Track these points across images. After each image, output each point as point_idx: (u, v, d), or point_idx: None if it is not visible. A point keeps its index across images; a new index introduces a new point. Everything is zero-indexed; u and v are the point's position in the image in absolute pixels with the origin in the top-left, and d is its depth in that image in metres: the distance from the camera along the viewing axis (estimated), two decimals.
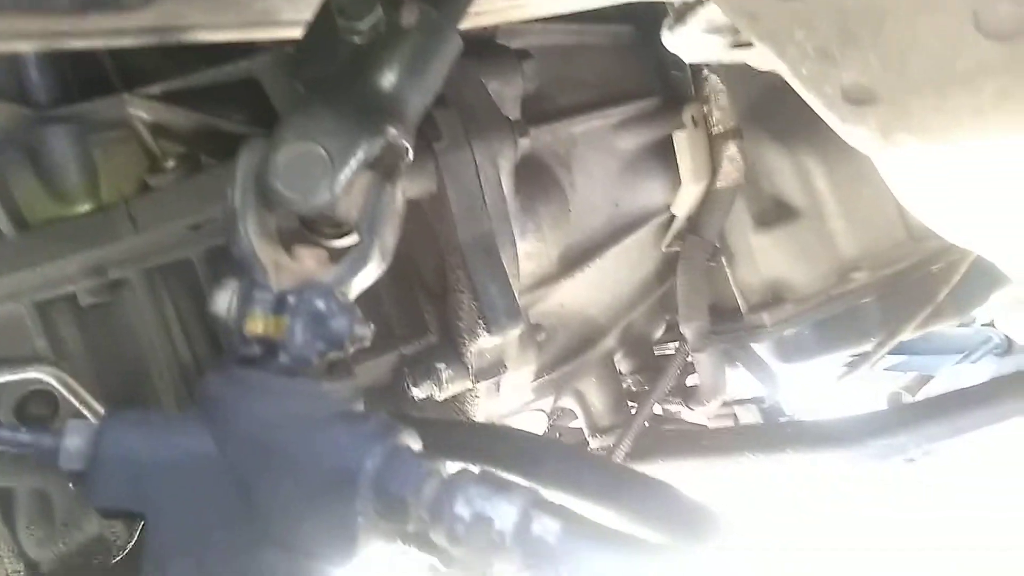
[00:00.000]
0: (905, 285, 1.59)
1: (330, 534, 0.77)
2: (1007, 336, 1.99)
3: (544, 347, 1.39)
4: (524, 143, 1.22)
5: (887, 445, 1.41)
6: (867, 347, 1.66)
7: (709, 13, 0.97)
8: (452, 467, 0.80)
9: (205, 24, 0.87)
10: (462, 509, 0.74)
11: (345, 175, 0.83)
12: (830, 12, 0.61)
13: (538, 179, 1.30)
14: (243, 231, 0.84)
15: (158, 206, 1.07)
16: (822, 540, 2.85)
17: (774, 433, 1.62)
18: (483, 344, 1.19)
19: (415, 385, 1.20)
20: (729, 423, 2.09)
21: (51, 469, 0.81)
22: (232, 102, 1.11)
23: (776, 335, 1.66)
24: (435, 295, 1.24)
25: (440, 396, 1.22)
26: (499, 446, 1.01)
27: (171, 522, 0.80)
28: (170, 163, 1.11)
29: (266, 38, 0.96)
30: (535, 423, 1.54)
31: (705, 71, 1.50)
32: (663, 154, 1.49)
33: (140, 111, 1.08)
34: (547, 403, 1.53)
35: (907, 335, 1.62)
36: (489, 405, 1.33)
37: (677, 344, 1.68)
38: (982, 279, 1.59)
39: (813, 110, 0.70)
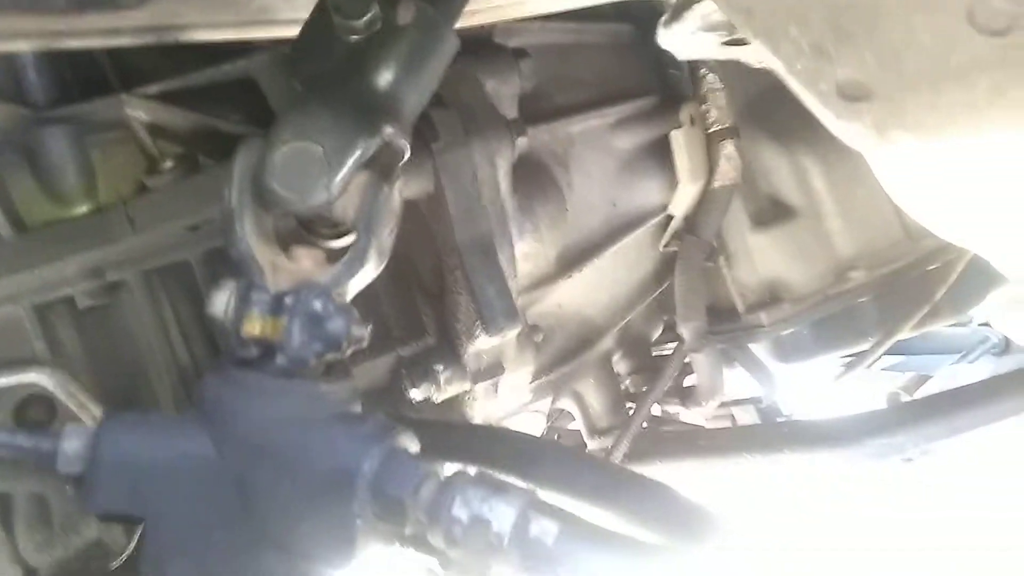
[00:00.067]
0: (902, 284, 1.59)
1: (328, 536, 0.77)
2: (1005, 336, 1.98)
3: (542, 348, 1.39)
4: (522, 143, 1.22)
5: (885, 445, 1.41)
6: (864, 347, 1.65)
7: (704, 10, 0.97)
8: (450, 469, 0.81)
9: (202, 23, 0.87)
10: (460, 511, 0.74)
11: (342, 175, 0.83)
12: (824, 8, 0.61)
13: (536, 179, 1.30)
14: (240, 231, 0.84)
15: (156, 207, 1.07)
16: (821, 540, 2.85)
17: (772, 433, 1.61)
18: (481, 345, 1.19)
19: (413, 386, 1.20)
20: (727, 423, 2.09)
21: (49, 473, 0.81)
22: (229, 102, 1.11)
23: (774, 335, 1.66)
24: (432, 296, 1.23)
25: (438, 398, 1.22)
26: (497, 448, 1.01)
27: (169, 524, 0.80)
28: (168, 164, 1.11)
29: (263, 37, 0.96)
30: (533, 424, 1.54)
31: (703, 69, 1.49)
32: (660, 154, 1.49)
33: (138, 111, 1.08)
34: (545, 404, 1.53)
35: (904, 335, 1.61)
36: (487, 406, 1.32)
37: (675, 344, 1.68)
38: (979, 278, 1.59)
39: (809, 109, 0.70)
